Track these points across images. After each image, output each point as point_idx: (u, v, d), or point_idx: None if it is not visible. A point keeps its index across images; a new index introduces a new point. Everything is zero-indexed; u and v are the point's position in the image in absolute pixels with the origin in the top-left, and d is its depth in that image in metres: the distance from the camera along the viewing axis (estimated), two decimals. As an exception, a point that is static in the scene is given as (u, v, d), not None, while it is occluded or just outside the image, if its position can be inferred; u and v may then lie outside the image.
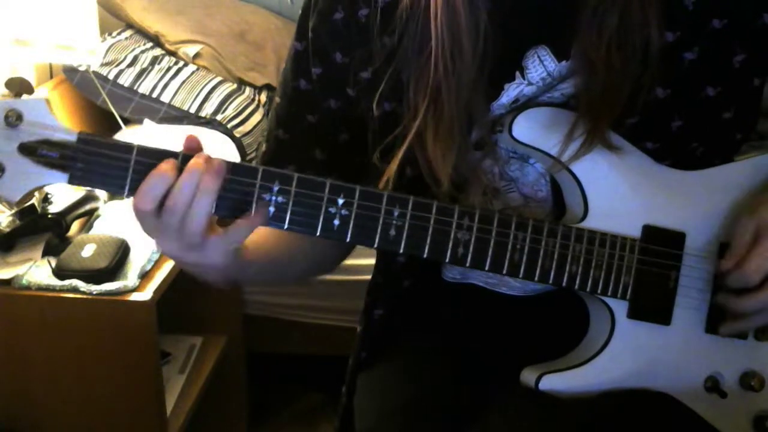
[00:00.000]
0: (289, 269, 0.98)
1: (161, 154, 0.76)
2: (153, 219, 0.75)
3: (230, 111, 2.05)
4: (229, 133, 2.03)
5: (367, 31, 0.87)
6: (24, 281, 1.44)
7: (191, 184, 0.74)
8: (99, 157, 0.75)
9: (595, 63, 0.80)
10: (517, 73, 0.85)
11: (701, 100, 0.86)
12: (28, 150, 0.74)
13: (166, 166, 0.74)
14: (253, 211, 0.77)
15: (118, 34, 2.14)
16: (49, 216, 1.54)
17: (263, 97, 2.22)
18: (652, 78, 0.82)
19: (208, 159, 0.75)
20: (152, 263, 1.53)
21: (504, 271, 0.82)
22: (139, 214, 0.75)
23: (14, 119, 0.74)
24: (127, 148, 0.75)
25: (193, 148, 0.77)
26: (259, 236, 0.90)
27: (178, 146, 0.77)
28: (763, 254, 0.81)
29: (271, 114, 0.98)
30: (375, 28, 0.86)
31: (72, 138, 0.75)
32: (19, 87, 0.71)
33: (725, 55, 0.86)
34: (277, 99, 0.97)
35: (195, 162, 0.74)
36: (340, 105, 0.92)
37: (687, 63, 0.85)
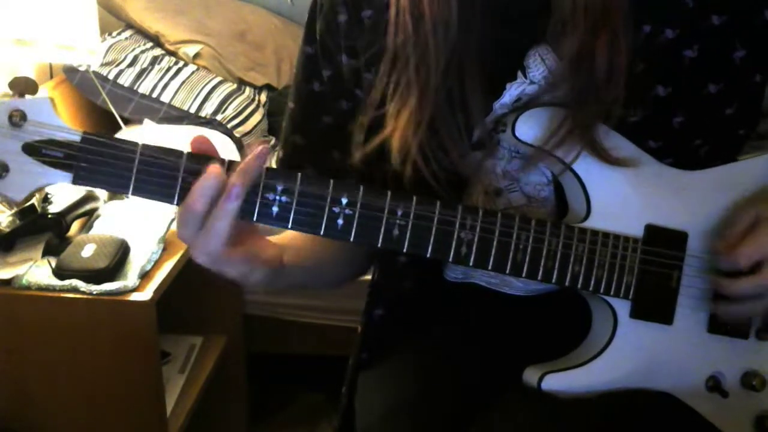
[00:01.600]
0: (321, 277, 0.99)
1: (166, 154, 0.76)
2: (199, 222, 0.75)
3: (230, 111, 2.05)
4: (229, 133, 2.03)
5: (371, 32, 0.87)
6: (24, 281, 1.44)
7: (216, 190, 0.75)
8: (103, 157, 0.75)
9: (586, 66, 0.80)
10: (519, 73, 0.85)
11: (703, 97, 0.86)
12: (32, 149, 0.75)
13: (219, 169, 0.75)
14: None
15: (118, 34, 2.14)
16: (49, 216, 1.54)
17: (263, 97, 2.23)
18: (648, 79, 0.82)
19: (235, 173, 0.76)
20: (152, 263, 1.53)
21: (507, 271, 0.82)
22: (188, 215, 0.75)
23: (18, 119, 0.74)
24: (132, 148, 0.75)
25: (203, 150, 0.77)
26: (294, 244, 0.91)
27: (179, 146, 0.77)
28: (757, 240, 0.81)
29: (285, 121, 0.98)
30: (379, 28, 0.86)
31: (76, 137, 0.75)
32: (23, 86, 0.71)
33: (726, 51, 0.86)
34: (291, 105, 0.97)
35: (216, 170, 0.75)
36: (352, 106, 0.92)
37: (688, 61, 0.85)
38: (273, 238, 0.86)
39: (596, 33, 0.79)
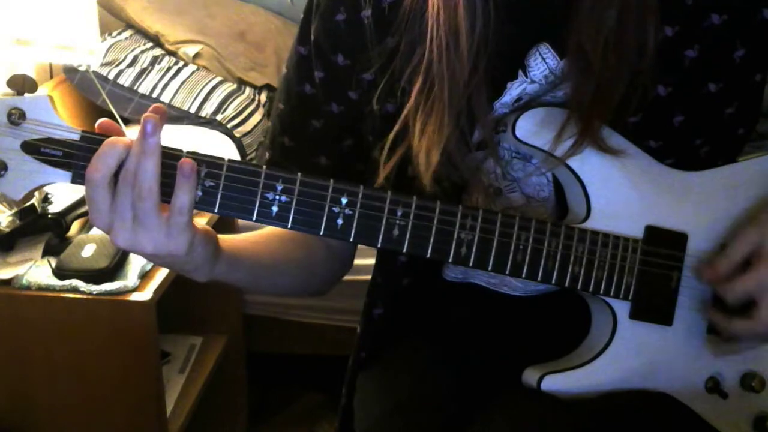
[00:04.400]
0: (278, 278, 0.95)
1: (164, 153, 0.76)
2: (107, 195, 0.73)
3: (230, 111, 2.05)
4: (229, 133, 2.03)
5: (370, 33, 0.87)
6: (24, 281, 1.44)
7: (139, 149, 0.73)
8: None
9: (591, 62, 0.80)
10: (520, 72, 0.85)
11: (703, 96, 0.86)
12: (31, 148, 0.74)
13: (118, 138, 0.74)
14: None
15: (118, 34, 2.14)
16: (49, 216, 1.54)
17: (263, 97, 2.22)
18: (651, 77, 0.82)
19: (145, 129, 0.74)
20: (152, 263, 1.53)
21: (507, 272, 0.82)
22: (93, 186, 0.73)
23: (17, 117, 0.74)
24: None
25: (107, 128, 0.76)
26: (250, 241, 0.90)
27: (178, 146, 0.77)
28: (753, 279, 0.80)
29: (273, 120, 0.97)
30: (379, 29, 0.86)
31: (75, 136, 0.75)
32: (22, 84, 0.71)
33: (726, 50, 0.86)
34: (280, 105, 0.96)
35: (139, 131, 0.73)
36: (343, 109, 0.91)
37: (688, 61, 0.85)
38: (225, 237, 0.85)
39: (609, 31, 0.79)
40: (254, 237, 0.92)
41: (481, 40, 0.81)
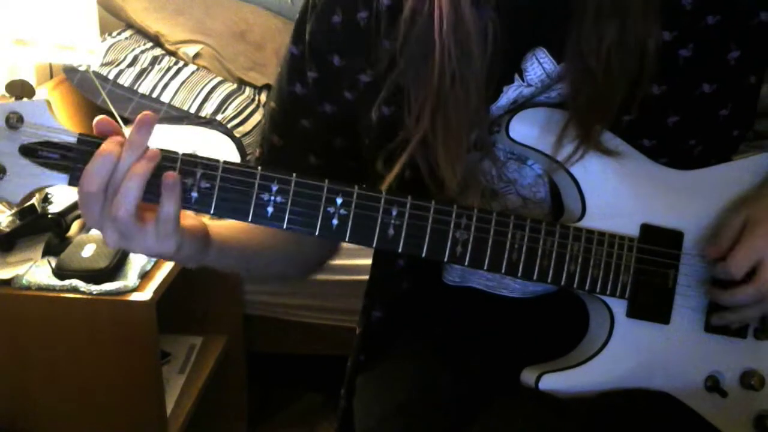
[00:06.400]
0: (269, 264, 0.96)
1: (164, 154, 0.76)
2: (98, 203, 0.74)
3: (230, 111, 2.05)
4: (229, 133, 2.03)
5: (367, 35, 0.87)
6: (24, 281, 1.44)
7: (128, 163, 0.74)
8: None
9: (593, 70, 0.80)
10: (516, 76, 0.85)
11: (697, 96, 0.86)
12: (29, 151, 0.75)
13: (111, 146, 0.74)
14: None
15: (118, 34, 2.14)
16: (49, 216, 1.54)
17: (263, 97, 2.22)
18: (648, 79, 0.82)
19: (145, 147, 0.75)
20: (152, 263, 1.53)
21: (502, 270, 0.82)
22: (86, 197, 0.74)
23: (15, 121, 0.75)
24: None
25: (104, 129, 0.76)
26: (240, 229, 0.89)
27: (177, 146, 0.78)
28: (747, 245, 0.81)
29: (265, 119, 0.98)
30: (375, 31, 0.86)
31: (72, 139, 0.75)
32: (20, 90, 0.71)
33: (720, 51, 0.86)
34: (272, 104, 0.97)
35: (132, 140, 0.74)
36: (336, 109, 0.92)
37: (682, 60, 0.85)
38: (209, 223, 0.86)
39: (607, 33, 0.79)
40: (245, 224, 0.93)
41: (491, 53, 0.81)
